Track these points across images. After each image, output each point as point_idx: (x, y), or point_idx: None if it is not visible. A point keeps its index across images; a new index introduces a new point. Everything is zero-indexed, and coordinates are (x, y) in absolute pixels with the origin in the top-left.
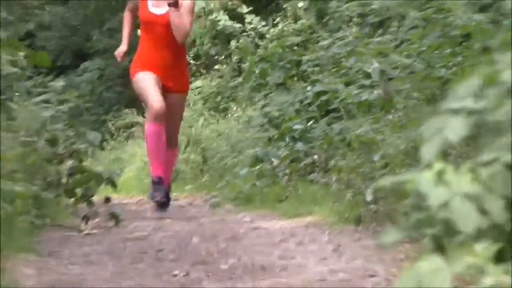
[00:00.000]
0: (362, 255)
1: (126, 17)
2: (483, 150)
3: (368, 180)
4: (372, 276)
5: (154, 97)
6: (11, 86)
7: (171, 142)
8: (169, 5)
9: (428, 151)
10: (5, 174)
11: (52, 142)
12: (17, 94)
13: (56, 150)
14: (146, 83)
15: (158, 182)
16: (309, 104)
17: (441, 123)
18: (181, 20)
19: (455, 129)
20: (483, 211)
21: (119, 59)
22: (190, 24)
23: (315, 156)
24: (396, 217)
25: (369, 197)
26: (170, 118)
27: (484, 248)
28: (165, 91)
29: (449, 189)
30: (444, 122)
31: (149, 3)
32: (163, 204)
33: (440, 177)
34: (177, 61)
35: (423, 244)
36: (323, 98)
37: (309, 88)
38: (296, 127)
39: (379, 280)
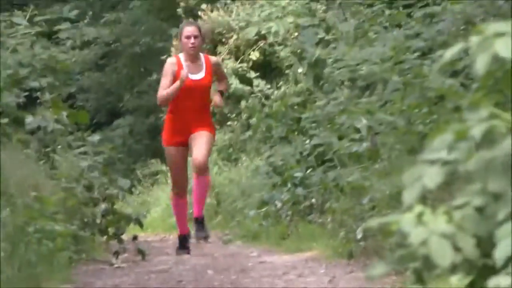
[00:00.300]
0: (354, 286)
1: (165, 83)
2: (456, 195)
3: (359, 220)
4: None
5: (177, 176)
6: (55, 140)
7: (202, 170)
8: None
9: (409, 196)
10: (47, 215)
11: (89, 188)
12: (59, 147)
13: (92, 194)
14: (173, 161)
15: (184, 238)
16: (308, 155)
17: (419, 172)
18: (226, 84)
19: (431, 177)
20: (457, 248)
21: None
22: (227, 79)
23: (313, 200)
24: (382, 252)
25: (359, 235)
26: (198, 145)
27: (458, 280)
28: (194, 132)
29: (427, 229)
30: (422, 171)
31: (185, 70)
32: (199, 228)
33: (419, 218)
34: (204, 116)
35: (407, 276)
36: (320, 149)
37: (307, 141)
38: (296, 174)
39: None
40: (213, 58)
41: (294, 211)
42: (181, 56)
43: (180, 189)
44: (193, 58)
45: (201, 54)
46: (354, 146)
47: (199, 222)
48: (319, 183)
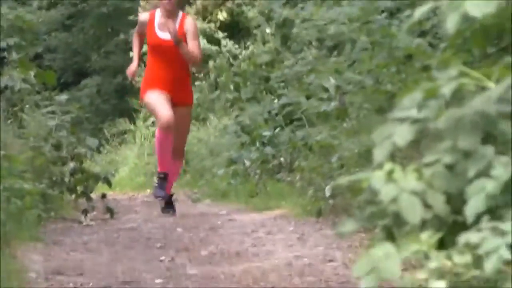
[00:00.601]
0: (323, 243)
1: (135, 39)
2: (426, 153)
3: (327, 179)
4: (331, 261)
5: (163, 110)
6: (22, 100)
7: (178, 154)
8: (175, 44)
9: (379, 154)
10: (16, 174)
11: (57, 147)
12: (27, 106)
13: (60, 153)
14: (155, 98)
15: (163, 178)
16: (276, 114)
17: (389, 130)
18: (191, 51)
19: (402, 135)
20: (427, 205)
21: (132, 77)
22: (199, 50)
23: (282, 159)
24: (351, 210)
25: (328, 193)
26: (177, 130)
27: (428, 237)
28: (173, 105)
29: (397, 186)
30: (392, 129)
31: (156, 28)
32: (168, 205)
33: (389, 176)
34: (182, 78)
35: (375, 234)
36: (288, 109)
37: (276, 100)
38: (265, 133)
39: (338, 264)
40: (188, 19)
41: (263, 170)
42: (158, 12)
43: (167, 123)
44: (169, 15)
45: (180, 13)
46: (322, 105)
47: (168, 199)
48: (288, 142)
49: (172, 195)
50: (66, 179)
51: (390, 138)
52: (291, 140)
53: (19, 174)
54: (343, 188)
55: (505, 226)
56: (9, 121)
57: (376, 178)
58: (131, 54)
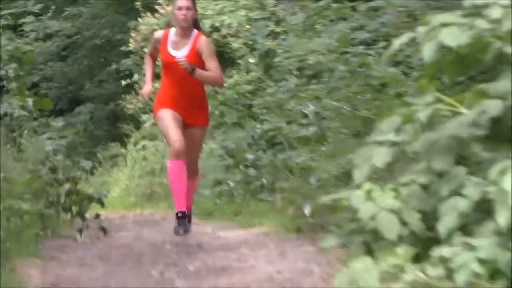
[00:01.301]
0: (302, 258)
1: (148, 60)
2: (402, 173)
3: (306, 199)
4: (310, 275)
5: (174, 137)
6: (21, 126)
7: (192, 172)
8: (189, 73)
9: (359, 174)
10: (15, 195)
11: (53, 170)
12: (25, 131)
13: (56, 176)
14: (167, 122)
15: (182, 217)
16: (259, 139)
17: (369, 152)
18: (211, 74)
19: (380, 157)
20: (403, 222)
21: (146, 98)
22: (219, 69)
23: (264, 180)
24: (329, 228)
25: (307, 212)
26: (191, 150)
27: (404, 251)
28: (186, 126)
29: (376, 205)
30: (371, 151)
31: (169, 46)
32: (185, 228)
33: (368, 195)
34: (196, 98)
35: (352, 250)
36: (270, 133)
37: (258, 126)
38: (248, 156)
39: (317, 278)
40: (202, 38)
41: (246, 190)
42: (172, 30)
43: (179, 148)
44: (184, 32)
45: (195, 31)
46: (302, 130)
47: (184, 217)
48: (269, 164)
49: (190, 216)
50: (62, 200)
51: (369, 160)
52: (272, 162)
53: (18, 195)
54: (322, 207)
55: (476, 241)
56: (8, 146)
57: (356, 197)
58: (123, 82)
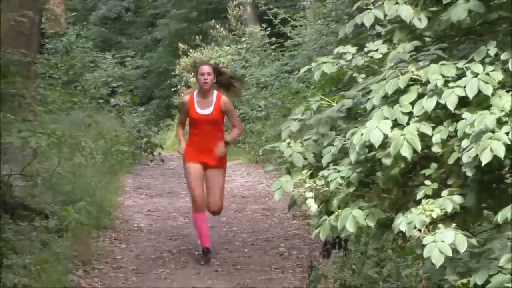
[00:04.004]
0: (258, 176)
1: (179, 129)
2: (305, 134)
3: (260, 146)
4: (261, 184)
5: (197, 192)
6: (123, 110)
7: (216, 209)
8: (227, 147)
9: (284, 135)
10: (120, 143)
11: (138, 131)
12: (125, 113)
13: (140, 134)
14: (192, 178)
15: (206, 252)
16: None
17: (289, 124)
18: (237, 132)
19: (294, 126)
20: (305, 158)
21: (182, 152)
22: (240, 123)
23: (239, 138)
24: (270, 160)
25: (260, 153)
26: (215, 188)
27: (305, 172)
28: (209, 167)
29: (291, 149)
30: (290, 123)
31: (196, 106)
32: (206, 260)
33: (288, 144)
34: (215, 144)
35: (281, 172)
36: (243, 115)
37: (236, 111)
38: None
39: (264, 185)
40: (223, 98)
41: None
42: (196, 93)
43: (200, 204)
44: (206, 94)
45: (215, 92)
46: (258, 113)
47: (208, 252)
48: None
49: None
50: (143, 146)
51: (288, 127)
52: (244, 130)
53: (121, 143)
54: (268, 150)
55: (340, 168)
56: (117, 120)
57: (282, 146)
58: (172, 90)
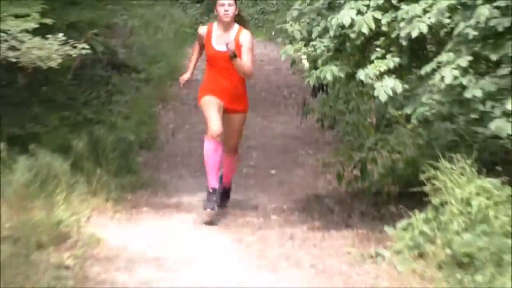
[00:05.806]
0: (271, 48)
1: (195, 48)
2: (302, 18)
3: (272, 29)
4: (273, 52)
5: (213, 121)
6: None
7: (231, 151)
8: (230, 58)
9: (288, 18)
10: (184, 25)
11: (196, 19)
12: (187, 8)
13: (198, 21)
14: (209, 108)
15: (212, 193)
16: None
17: (291, 12)
18: (244, 66)
19: (295, 13)
20: (302, 33)
21: (181, 85)
22: (251, 64)
23: None
24: (280, 36)
25: (273, 33)
26: (232, 134)
27: (301, 43)
28: (227, 112)
29: (293, 28)
30: (292, 12)
31: (213, 41)
32: (212, 206)
33: (291, 25)
34: (237, 87)
35: (287, 42)
36: None
37: None
38: None
39: (276, 53)
40: (244, 32)
41: None
42: (215, 25)
43: (214, 135)
44: (226, 27)
45: (236, 26)
46: (271, 8)
47: (225, 192)
48: None
49: (229, 191)
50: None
51: (291, 14)
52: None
53: (185, 26)
54: (278, 30)
55: (323, 40)
56: (182, 11)
57: (287, 26)
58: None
